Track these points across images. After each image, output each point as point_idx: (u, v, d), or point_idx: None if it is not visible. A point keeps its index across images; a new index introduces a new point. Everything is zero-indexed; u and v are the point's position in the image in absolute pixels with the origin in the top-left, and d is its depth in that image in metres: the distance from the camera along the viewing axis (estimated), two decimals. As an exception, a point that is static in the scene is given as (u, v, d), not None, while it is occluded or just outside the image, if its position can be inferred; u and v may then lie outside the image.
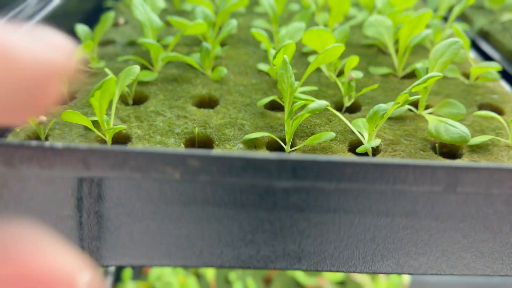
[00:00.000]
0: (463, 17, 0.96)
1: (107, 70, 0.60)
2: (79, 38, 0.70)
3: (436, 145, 0.55)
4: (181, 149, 0.38)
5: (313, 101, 0.52)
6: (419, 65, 0.57)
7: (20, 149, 0.35)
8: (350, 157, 0.46)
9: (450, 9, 0.90)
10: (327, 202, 0.42)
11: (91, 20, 0.94)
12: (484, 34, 0.89)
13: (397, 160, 0.45)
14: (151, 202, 0.41)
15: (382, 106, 0.52)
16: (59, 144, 0.35)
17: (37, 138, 0.56)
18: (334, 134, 0.50)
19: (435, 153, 0.54)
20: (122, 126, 0.51)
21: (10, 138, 0.55)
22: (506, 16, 0.91)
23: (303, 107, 0.55)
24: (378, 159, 0.38)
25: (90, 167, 0.36)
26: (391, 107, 0.52)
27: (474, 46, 0.89)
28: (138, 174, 0.36)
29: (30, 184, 0.40)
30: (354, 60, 0.60)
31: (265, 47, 0.77)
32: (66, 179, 0.40)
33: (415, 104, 0.62)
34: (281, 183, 0.36)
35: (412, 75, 0.70)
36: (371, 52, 0.77)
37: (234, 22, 0.66)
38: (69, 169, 0.36)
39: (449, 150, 0.55)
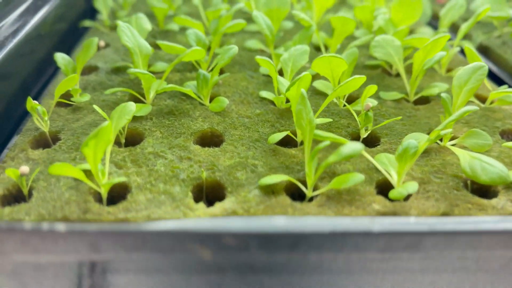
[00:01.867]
0: (456, 30, 0.93)
1: (96, 108, 0.52)
2: (59, 66, 0.62)
3: (468, 182, 0.50)
4: (214, 223, 0.31)
5: (337, 140, 0.47)
6: (444, 94, 0.53)
7: (11, 234, 0.28)
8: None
9: (452, 26, 0.87)
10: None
11: (68, 41, 0.86)
12: (484, 49, 0.86)
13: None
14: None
15: (412, 143, 0.47)
16: (61, 226, 0.28)
17: (19, 191, 0.48)
18: (363, 177, 0.45)
19: (467, 190, 0.49)
20: (122, 178, 0.44)
21: (-15, 193, 0.46)
22: (505, 30, 0.88)
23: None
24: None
25: (100, 250, 0.29)
26: (423, 145, 0.47)
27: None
28: (158, 255, 0.30)
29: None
30: (372, 89, 0.55)
31: (263, 70, 0.71)
32: (65, 265, 0.33)
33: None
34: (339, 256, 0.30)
35: (424, 99, 0.66)
36: (376, 73, 0.73)
37: (235, 48, 0.59)
38: (72, 254, 0.29)
39: (481, 187, 0.51)
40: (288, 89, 0.51)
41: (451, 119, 0.45)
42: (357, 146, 0.41)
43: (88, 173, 0.47)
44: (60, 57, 0.61)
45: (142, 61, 0.61)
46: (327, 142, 0.44)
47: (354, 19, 0.67)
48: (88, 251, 0.29)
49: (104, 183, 0.45)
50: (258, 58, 0.58)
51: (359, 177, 0.45)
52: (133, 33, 0.61)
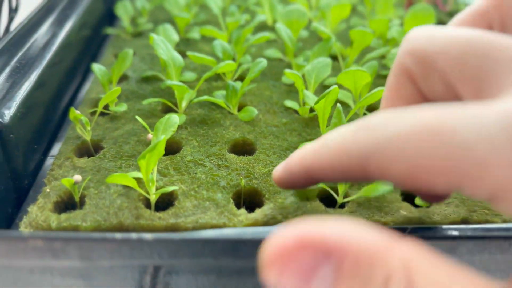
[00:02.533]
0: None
1: (139, 119, 0.56)
2: (96, 75, 0.65)
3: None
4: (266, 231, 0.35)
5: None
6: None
7: (102, 243, 0.32)
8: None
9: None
10: None
11: (92, 49, 0.89)
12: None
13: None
14: None
15: (435, 153, 0.51)
16: (148, 235, 0.32)
17: (70, 198, 0.51)
18: (391, 187, 0.49)
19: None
20: (173, 187, 0.48)
21: (40, 199, 0.50)
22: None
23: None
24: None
25: (177, 256, 0.33)
26: (446, 155, 0.51)
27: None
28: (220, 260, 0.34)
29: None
30: (394, 102, 0.59)
31: (284, 80, 0.75)
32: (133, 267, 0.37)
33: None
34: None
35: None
36: (391, 83, 0.77)
37: (264, 62, 0.63)
38: (152, 259, 0.33)
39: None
40: (317, 102, 0.55)
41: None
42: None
43: (137, 180, 0.50)
44: (97, 68, 0.64)
45: (175, 73, 0.64)
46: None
47: (370, 30, 0.71)
48: (169, 257, 0.32)
49: (155, 192, 0.48)
50: (287, 71, 0.62)
51: (387, 186, 0.49)
52: (166, 46, 0.64)
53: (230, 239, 0.31)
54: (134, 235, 0.31)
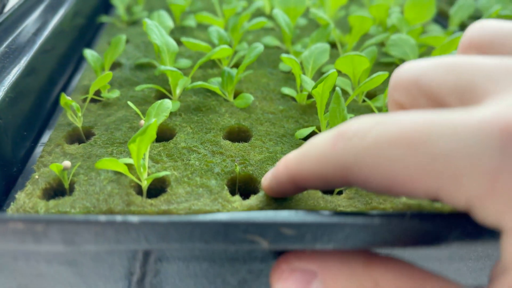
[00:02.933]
0: (464, 29, 0.95)
1: (131, 104, 0.54)
2: (88, 62, 0.63)
3: None
4: (271, 214, 0.33)
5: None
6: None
7: (85, 225, 0.30)
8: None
9: (461, 25, 0.90)
10: None
11: (86, 37, 0.87)
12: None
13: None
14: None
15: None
16: (133, 218, 0.30)
17: (59, 185, 0.50)
18: (391, 172, 0.47)
19: None
20: (165, 172, 0.46)
21: (28, 186, 0.48)
22: None
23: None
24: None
25: (168, 239, 0.31)
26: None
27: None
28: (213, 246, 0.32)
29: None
30: (394, 87, 0.57)
31: (282, 67, 0.74)
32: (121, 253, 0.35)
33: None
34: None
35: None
36: (391, 70, 0.75)
37: (260, 47, 0.62)
38: (140, 243, 0.31)
39: None
40: (315, 87, 0.53)
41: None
42: None
43: (128, 167, 0.49)
44: (90, 54, 0.63)
45: (169, 59, 0.62)
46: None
47: (370, 16, 0.69)
48: (157, 241, 0.31)
49: (147, 177, 0.47)
50: (284, 56, 0.60)
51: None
52: (160, 31, 0.62)
53: (221, 221, 0.30)
54: (119, 217, 0.30)
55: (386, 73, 0.54)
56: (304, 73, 0.67)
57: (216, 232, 0.31)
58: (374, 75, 0.54)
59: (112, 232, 0.30)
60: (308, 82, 0.59)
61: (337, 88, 0.48)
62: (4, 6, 0.77)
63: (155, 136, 0.45)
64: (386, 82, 0.65)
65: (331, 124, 0.49)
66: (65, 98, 0.55)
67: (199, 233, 0.31)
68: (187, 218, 0.31)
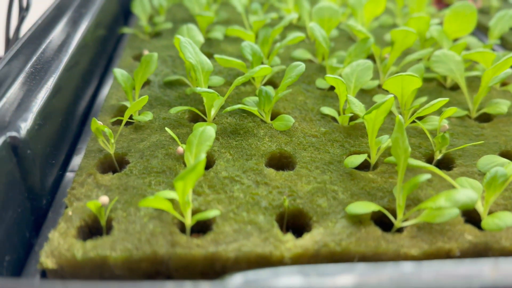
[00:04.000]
0: (504, 42, 0.91)
1: (169, 132, 0.50)
2: (117, 81, 0.60)
3: (553, 208, 0.49)
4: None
5: (430, 168, 0.45)
6: (526, 117, 0.52)
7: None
8: None
9: (501, 38, 0.86)
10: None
11: (108, 49, 0.83)
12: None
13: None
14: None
15: (501, 171, 0.46)
16: (205, 285, 0.26)
17: (95, 222, 0.46)
18: (458, 212, 0.43)
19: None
20: (214, 212, 0.42)
21: (62, 223, 0.44)
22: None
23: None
24: None
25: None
26: (514, 174, 0.46)
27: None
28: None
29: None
30: (451, 110, 0.53)
31: (318, 84, 0.70)
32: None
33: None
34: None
35: (485, 116, 0.64)
36: (432, 86, 0.71)
37: (302, 66, 0.57)
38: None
39: None
40: (369, 112, 0.49)
41: (548, 149, 0.44)
42: (473, 195, 0.40)
43: (171, 201, 0.45)
44: (119, 73, 0.59)
45: (203, 78, 0.59)
46: (428, 176, 0.42)
47: (412, 30, 0.65)
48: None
49: (192, 216, 0.43)
50: (328, 77, 0.56)
51: (454, 211, 0.43)
52: (194, 49, 0.58)
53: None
54: (188, 285, 0.26)
55: (446, 99, 0.50)
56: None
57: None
58: (436, 100, 0.50)
59: (179, 302, 0.26)
60: (356, 103, 0.55)
61: (400, 116, 0.44)
62: (23, 19, 0.74)
63: (203, 172, 0.41)
64: (423, 96, 0.61)
65: (393, 154, 0.45)
66: (96, 123, 0.51)
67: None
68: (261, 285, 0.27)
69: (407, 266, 0.32)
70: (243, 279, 0.30)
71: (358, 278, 0.30)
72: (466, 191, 0.40)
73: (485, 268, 0.32)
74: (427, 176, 0.42)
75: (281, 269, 0.32)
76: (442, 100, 0.50)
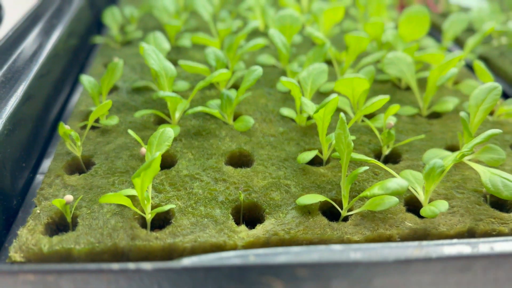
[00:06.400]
0: (459, 43, 0.96)
1: (132, 133, 0.54)
2: (85, 88, 0.63)
3: (487, 196, 0.53)
4: (287, 256, 0.33)
5: (372, 161, 0.49)
6: (463, 113, 0.56)
7: (98, 274, 0.30)
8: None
9: (455, 39, 0.90)
10: None
11: (80, 58, 0.86)
12: (483, 60, 0.90)
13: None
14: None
15: (438, 162, 0.50)
16: (147, 265, 0.30)
17: (61, 219, 0.49)
18: (397, 200, 0.47)
19: (486, 202, 0.52)
20: (170, 206, 0.46)
21: (30, 221, 0.47)
22: (503, 40, 0.92)
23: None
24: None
25: (179, 285, 0.31)
26: (449, 165, 0.50)
27: (471, 70, 0.90)
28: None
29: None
30: (394, 108, 0.57)
31: (279, 87, 0.73)
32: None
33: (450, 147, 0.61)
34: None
35: (435, 114, 0.69)
36: (387, 88, 0.75)
37: (259, 70, 0.61)
38: (153, 288, 0.31)
39: (499, 200, 0.54)
40: (316, 111, 0.53)
41: (477, 142, 0.48)
42: (403, 183, 0.43)
43: (132, 198, 0.48)
44: (86, 80, 0.62)
45: (167, 83, 0.62)
46: (366, 167, 0.46)
47: (365, 34, 0.69)
48: (170, 287, 0.30)
49: (151, 210, 0.46)
50: (283, 80, 0.60)
51: (393, 200, 0.47)
52: (158, 56, 0.62)
53: (236, 266, 0.29)
54: (131, 265, 0.29)
55: (387, 97, 0.54)
56: (302, 93, 0.67)
57: (230, 276, 0.31)
58: (375, 99, 0.54)
59: (125, 280, 0.30)
60: (308, 104, 0.58)
61: (342, 114, 0.48)
62: (-4, 30, 0.76)
63: (159, 169, 0.44)
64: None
65: (336, 149, 0.49)
66: (63, 128, 0.54)
67: (213, 277, 0.30)
68: (201, 264, 0.30)
69: (337, 246, 0.36)
70: (186, 260, 0.33)
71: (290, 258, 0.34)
72: (398, 179, 0.44)
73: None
74: (365, 167, 0.46)
75: (224, 253, 0.36)
76: (383, 99, 0.54)
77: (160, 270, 0.29)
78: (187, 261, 0.34)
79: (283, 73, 0.78)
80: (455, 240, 0.39)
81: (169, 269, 0.29)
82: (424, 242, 0.39)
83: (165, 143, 0.50)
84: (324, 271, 0.31)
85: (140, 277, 0.29)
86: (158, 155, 0.42)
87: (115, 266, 0.29)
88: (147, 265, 0.29)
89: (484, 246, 0.38)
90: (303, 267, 0.31)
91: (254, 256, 0.35)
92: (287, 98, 0.71)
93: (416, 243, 0.39)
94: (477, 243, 0.39)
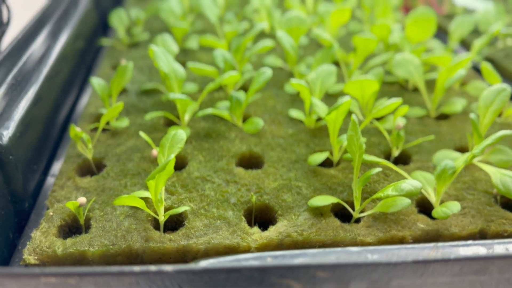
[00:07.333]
0: (464, 44, 0.97)
1: (143, 135, 0.54)
2: (95, 90, 0.63)
3: (498, 197, 0.53)
4: (305, 258, 0.33)
5: (384, 163, 0.50)
6: (473, 114, 0.56)
7: (119, 276, 0.30)
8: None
9: (461, 41, 0.91)
10: None
11: (87, 60, 0.86)
12: (489, 61, 0.90)
13: None
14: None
15: (450, 164, 0.50)
16: (168, 267, 0.30)
17: (74, 221, 0.49)
18: (409, 201, 0.48)
19: (497, 203, 0.52)
20: (184, 208, 0.46)
21: (43, 223, 0.48)
22: (508, 42, 0.92)
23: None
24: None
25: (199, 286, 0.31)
26: (460, 166, 0.50)
27: (478, 71, 0.90)
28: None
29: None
30: (403, 109, 0.57)
31: (288, 89, 0.74)
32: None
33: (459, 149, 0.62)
34: None
35: (443, 115, 0.69)
36: (394, 89, 0.76)
37: (268, 72, 0.61)
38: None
39: (509, 200, 0.54)
40: (328, 113, 0.53)
41: (488, 143, 0.49)
42: (417, 184, 0.44)
43: (145, 200, 0.48)
44: (96, 82, 0.62)
45: (177, 85, 0.62)
46: (378, 169, 0.47)
47: (373, 36, 0.70)
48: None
49: (164, 213, 0.46)
50: (293, 82, 0.60)
51: (406, 201, 0.48)
52: (167, 58, 0.62)
53: (256, 268, 0.30)
54: (153, 268, 0.29)
55: (399, 100, 0.54)
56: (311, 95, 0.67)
57: (251, 278, 0.31)
58: (387, 102, 0.54)
59: (145, 282, 0.30)
60: (319, 106, 0.59)
61: (354, 116, 0.48)
62: (3, 33, 0.77)
63: (172, 171, 0.44)
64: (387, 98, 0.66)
65: (348, 151, 0.49)
66: (74, 130, 0.54)
67: (234, 279, 0.31)
68: (222, 265, 0.30)
69: (353, 248, 0.36)
70: (205, 262, 0.33)
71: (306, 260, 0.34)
72: (411, 181, 0.44)
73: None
74: (378, 169, 0.47)
75: (241, 255, 0.36)
76: (395, 102, 0.54)
77: (181, 272, 0.29)
78: (204, 263, 0.34)
79: (290, 74, 0.78)
80: (469, 242, 0.40)
81: (190, 271, 0.30)
82: (439, 244, 0.39)
83: (177, 145, 0.50)
84: (344, 273, 0.31)
85: (161, 279, 0.29)
86: (172, 157, 0.42)
87: (137, 268, 0.29)
88: (168, 267, 0.29)
89: (499, 247, 0.39)
90: (323, 268, 0.31)
91: (271, 258, 0.35)
92: (295, 100, 0.71)
93: (431, 244, 0.39)
94: (491, 244, 0.39)
